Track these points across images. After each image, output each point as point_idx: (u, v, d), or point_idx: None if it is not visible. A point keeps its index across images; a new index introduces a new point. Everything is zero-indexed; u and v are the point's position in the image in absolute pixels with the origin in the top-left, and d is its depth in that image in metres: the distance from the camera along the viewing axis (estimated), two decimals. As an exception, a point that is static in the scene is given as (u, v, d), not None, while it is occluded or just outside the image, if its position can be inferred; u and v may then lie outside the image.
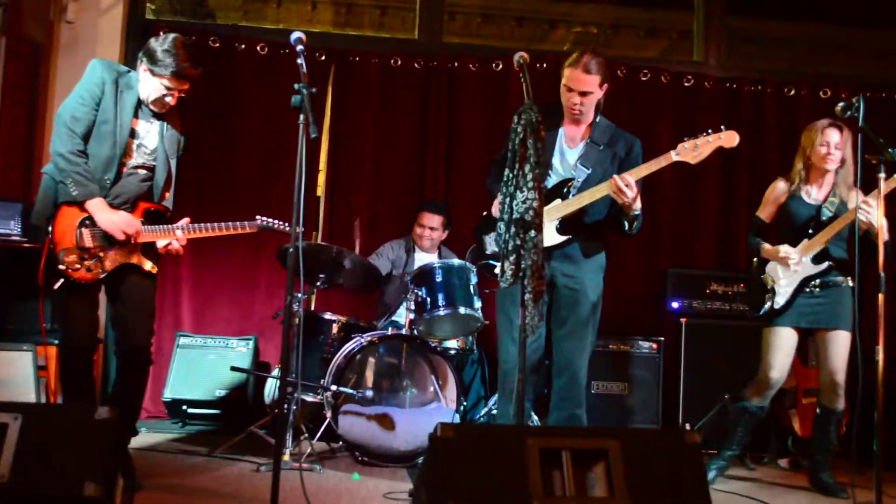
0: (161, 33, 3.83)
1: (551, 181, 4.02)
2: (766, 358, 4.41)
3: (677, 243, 6.42)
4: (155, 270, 3.91)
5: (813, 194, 4.46)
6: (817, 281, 4.36)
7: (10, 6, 5.29)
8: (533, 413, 4.60)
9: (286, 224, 4.14)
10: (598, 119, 4.11)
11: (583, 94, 3.95)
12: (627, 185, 3.76)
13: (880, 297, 3.57)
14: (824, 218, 4.37)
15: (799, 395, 5.33)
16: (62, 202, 3.71)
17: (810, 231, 4.37)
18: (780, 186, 4.57)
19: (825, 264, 4.35)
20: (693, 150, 3.89)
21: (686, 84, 6.50)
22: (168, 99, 3.80)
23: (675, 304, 5.89)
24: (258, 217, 4.11)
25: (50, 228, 3.70)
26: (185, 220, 3.91)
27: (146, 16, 6.32)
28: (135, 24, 6.17)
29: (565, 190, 3.98)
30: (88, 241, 3.72)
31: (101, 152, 3.73)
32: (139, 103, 3.83)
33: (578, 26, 7.59)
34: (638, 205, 3.87)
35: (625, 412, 5.69)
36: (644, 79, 6.47)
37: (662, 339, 5.82)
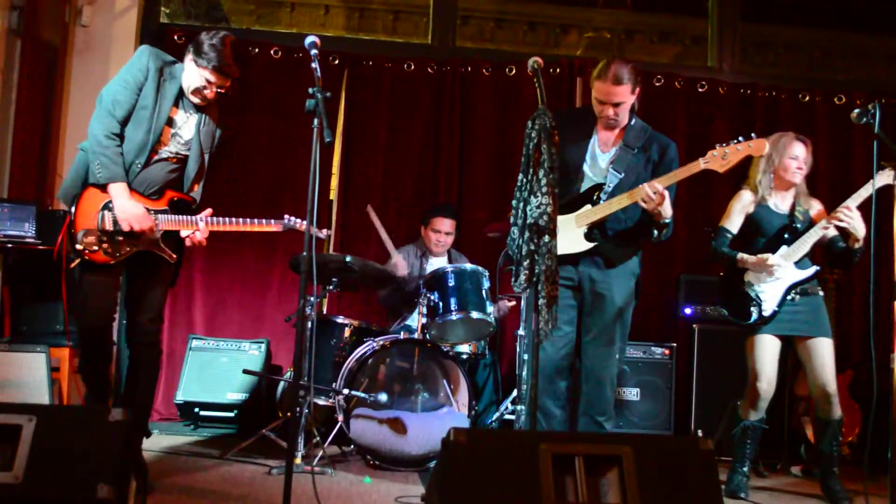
0: (212, 31, 3.88)
1: (583, 186, 3.94)
2: (754, 369, 4.37)
3: (690, 249, 6.39)
4: (174, 259, 3.92)
5: (779, 204, 4.45)
6: (798, 288, 4.35)
7: (26, 9, 5.33)
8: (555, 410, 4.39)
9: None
10: (632, 122, 4.00)
11: (616, 105, 3.87)
12: (656, 193, 3.68)
13: (895, 304, 3.55)
14: (798, 225, 4.37)
15: (812, 402, 5.30)
16: (90, 183, 3.75)
17: (786, 237, 4.35)
18: (746, 197, 4.52)
19: (812, 269, 4.34)
20: (722, 159, 3.77)
21: (700, 90, 6.49)
22: (206, 92, 3.83)
23: (687, 310, 5.88)
24: (286, 216, 4.11)
25: (73, 208, 3.74)
26: (208, 212, 3.91)
27: (160, 20, 6.35)
28: (149, 27, 6.19)
29: (595, 196, 3.89)
30: (109, 225, 3.75)
31: (136, 136, 3.76)
32: (181, 93, 3.87)
33: (591, 31, 7.59)
34: (668, 212, 3.76)
35: (637, 418, 5.68)
36: (658, 84, 6.46)
37: (675, 344, 5.81)
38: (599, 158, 4.00)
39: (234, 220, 3.92)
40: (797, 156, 4.39)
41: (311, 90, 3.31)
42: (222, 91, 3.88)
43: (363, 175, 6.25)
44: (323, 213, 6.16)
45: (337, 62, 6.23)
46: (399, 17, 7.53)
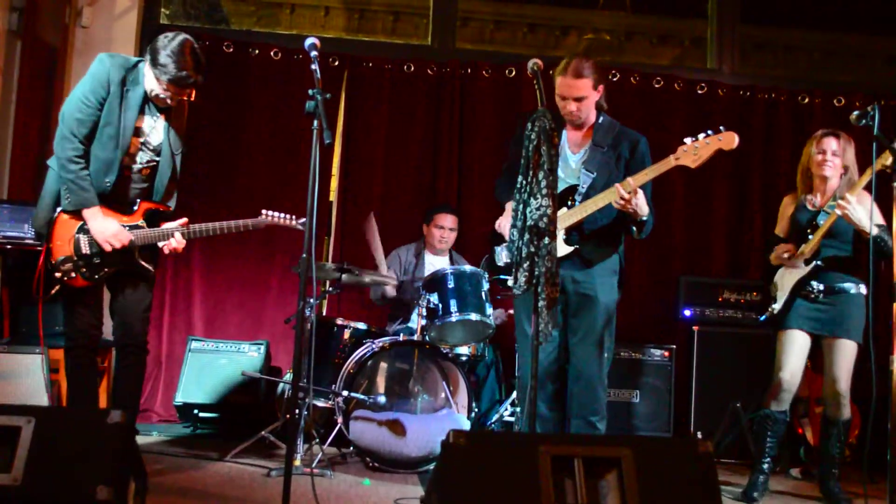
0: (171, 32, 3.74)
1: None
2: (778, 359, 4.41)
3: (690, 251, 6.40)
4: (153, 272, 3.93)
5: (816, 203, 4.45)
6: (821, 286, 4.33)
7: (26, 10, 5.33)
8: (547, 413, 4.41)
9: (293, 217, 4.13)
10: (600, 120, 4.03)
11: (577, 99, 3.89)
12: (631, 193, 3.70)
13: (895, 306, 3.55)
14: (820, 221, 4.36)
15: (811, 404, 5.31)
16: (61, 209, 3.75)
17: (809, 235, 4.37)
18: (786, 200, 4.63)
19: (813, 264, 4.34)
20: (693, 154, 3.78)
21: (699, 91, 6.48)
22: (167, 100, 3.77)
23: (687, 312, 5.87)
24: (263, 212, 4.09)
25: (48, 235, 3.76)
26: (183, 221, 3.90)
27: (161, 21, 6.35)
28: (149, 28, 6.19)
29: (570, 199, 3.91)
30: (86, 248, 3.75)
31: (104, 154, 3.72)
32: (146, 98, 3.79)
33: (591, 33, 7.59)
34: (644, 209, 3.78)
35: (636, 420, 5.67)
36: (657, 86, 6.46)
37: (674, 346, 5.80)
38: (570, 160, 4.02)
39: (209, 225, 3.91)
40: (824, 149, 4.38)
41: (310, 92, 3.31)
42: (185, 98, 3.80)
43: (363, 176, 6.25)
44: (323, 214, 6.16)
45: (337, 63, 6.23)
46: (399, 18, 7.53)
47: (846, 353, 4.32)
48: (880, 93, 6.47)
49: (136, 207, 3.85)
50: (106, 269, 3.79)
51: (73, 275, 3.74)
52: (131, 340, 3.93)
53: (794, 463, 5.34)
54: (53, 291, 3.76)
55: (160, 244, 3.87)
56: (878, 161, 3.92)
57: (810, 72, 7.54)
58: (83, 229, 3.74)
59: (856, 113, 3.78)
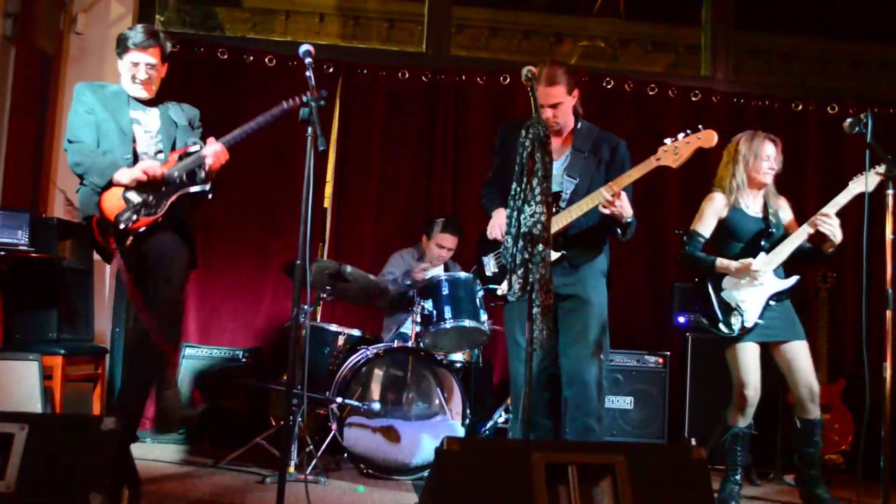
0: None
1: None
2: (739, 377, 4.34)
3: (684, 257, 6.39)
4: (210, 184, 4.08)
5: (750, 205, 4.43)
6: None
7: (20, 17, 5.32)
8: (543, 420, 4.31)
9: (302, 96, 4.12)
10: (578, 125, 4.05)
11: (553, 106, 3.90)
12: (615, 196, 3.71)
13: (888, 313, 3.56)
14: (773, 231, 4.34)
15: (805, 411, 5.30)
16: (100, 191, 3.92)
17: (763, 244, 4.33)
18: (719, 200, 4.44)
19: (794, 279, 4.32)
20: (673, 154, 3.81)
21: (693, 98, 6.49)
22: (140, 74, 4.03)
23: (681, 319, 5.87)
24: (284, 102, 4.29)
25: (99, 211, 3.91)
26: (210, 140, 4.12)
27: (155, 28, 6.33)
28: (144, 35, 6.18)
29: (554, 205, 3.88)
30: (136, 198, 3.90)
31: (113, 145, 3.98)
32: (128, 100, 4.09)
33: (585, 40, 7.61)
34: (629, 211, 3.78)
35: (630, 426, 5.68)
36: (651, 93, 6.46)
37: (668, 353, 5.80)
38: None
39: (238, 131, 4.23)
40: (769, 155, 4.37)
41: (304, 98, 3.32)
42: (153, 69, 4.06)
43: (357, 183, 6.25)
44: (317, 220, 6.15)
45: (331, 70, 6.22)
46: (394, 25, 7.55)
47: (805, 352, 4.33)
48: (873, 100, 6.48)
49: (166, 159, 4.06)
50: (164, 201, 3.91)
51: (135, 217, 3.85)
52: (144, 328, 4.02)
53: (787, 470, 5.33)
54: (130, 241, 3.86)
55: (207, 161, 4.04)
56: (858, 175, 3.97)
57: (804, 79, 7.57)
58: (126, 190, 3.91)
59: (849, 120, 3.80)
